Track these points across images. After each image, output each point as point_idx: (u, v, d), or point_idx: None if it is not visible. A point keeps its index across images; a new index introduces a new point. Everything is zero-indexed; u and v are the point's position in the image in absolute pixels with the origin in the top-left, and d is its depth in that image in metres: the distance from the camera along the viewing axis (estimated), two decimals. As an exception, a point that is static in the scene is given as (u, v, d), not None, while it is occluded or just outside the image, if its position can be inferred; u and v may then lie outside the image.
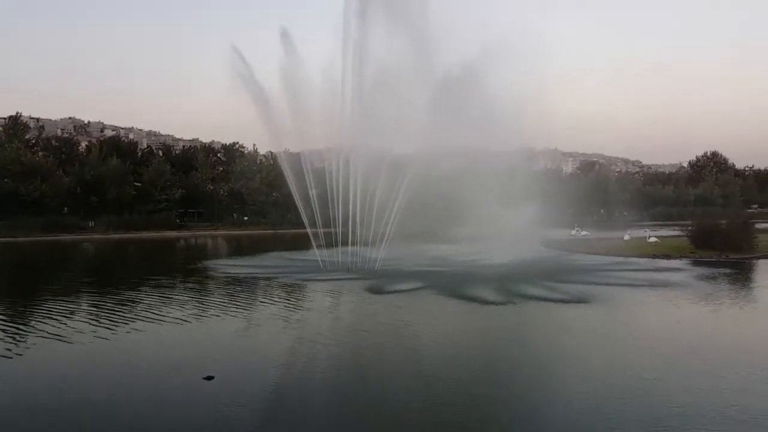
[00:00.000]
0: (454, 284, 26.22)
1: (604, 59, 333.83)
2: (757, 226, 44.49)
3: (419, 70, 33.44)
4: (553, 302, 21.75)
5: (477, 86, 33.85)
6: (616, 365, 13.34)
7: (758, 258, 37.63)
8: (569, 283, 26.32)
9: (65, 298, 24.41)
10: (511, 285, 25.30)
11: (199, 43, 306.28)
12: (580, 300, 21.74)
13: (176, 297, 24.43)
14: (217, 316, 19.85)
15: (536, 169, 50.80)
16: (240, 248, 59.26)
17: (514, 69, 33.99)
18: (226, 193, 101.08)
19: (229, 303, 22.59)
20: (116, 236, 77.18)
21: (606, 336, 16.81)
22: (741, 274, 31.45)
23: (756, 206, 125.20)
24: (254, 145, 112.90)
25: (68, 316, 20.00)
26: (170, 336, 17.03)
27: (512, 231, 37.65)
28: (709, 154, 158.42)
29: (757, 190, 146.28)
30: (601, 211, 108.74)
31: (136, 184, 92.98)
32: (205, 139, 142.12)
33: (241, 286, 27.65)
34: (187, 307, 21.68)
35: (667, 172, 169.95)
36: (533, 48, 34.18)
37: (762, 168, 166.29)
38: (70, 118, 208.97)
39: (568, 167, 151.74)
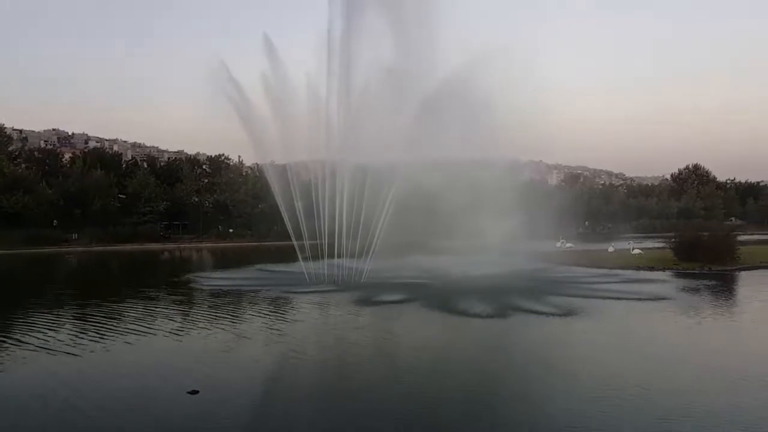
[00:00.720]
0: (440, 297, 26.23)
1: (587, 73, 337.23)
2: (738, 238, 45.13)
3: (407, 78, 33.49)
4: (540, 315, 21.75)
5: (465, 97, 34.04)
6: (602, 379, 13.39)
7: (740, 270, 38.10)
8: (555, 295, 26.39)
9: (50, 311, 24.18)
10: (498, 297, 25.35)
11: (184, 54, 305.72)
12: (566, 313, 21.79)
13: (161, 310, 24.21)
14: (202, 329, 19.70)
15: (522, 180, 51.07)
16: (225, 260, 58.92)
17: (503, 80, 34.27)
18: (211, 205, 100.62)
19: (213, 316, 22.46)
20: (100, 249, 76.49)
21: (593, 349, 16.86)
22: (724, 286, 31.76)
23: (733, 218, 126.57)
24: (239, 156, 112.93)
25: (54, 328, 19.86)
26: (156, 349, 16.87)
27: (498, 243, 37.80)
28: (691, 166, 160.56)
29: (738, 203, 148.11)
30: (586, 223, 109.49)
31: (120, 196, 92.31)
32: (191, 150, 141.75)
33: (226, 299, 27.47)
34: (172, 320, 21.52)
35: (650, 184, 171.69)
36: (523, 59, 34.40)
37: (743, 180, 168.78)
38: (53, 129, 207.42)
39: (553, 179, 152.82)
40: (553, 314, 21.68)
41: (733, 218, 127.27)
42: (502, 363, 15.34)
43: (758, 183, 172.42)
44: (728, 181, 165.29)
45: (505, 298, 25.28)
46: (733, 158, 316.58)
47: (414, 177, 34.02)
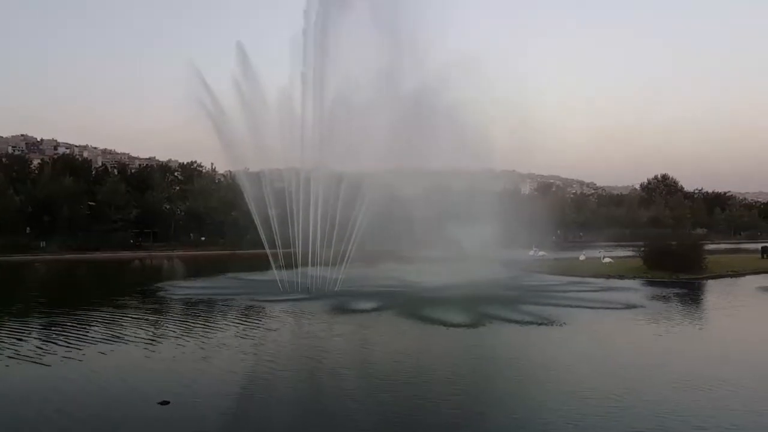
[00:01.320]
0: (415, 305, 26.23)
1: (558, 83, 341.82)
2: (706, 247, 46.07)
3: (383, 87, 33.46)
4: (514, 323, 21.88)
5: (440, 106, 34.16)
6: (576, 388, 13.46)
7: (707, 278, 38.83)
8: (529, 303, 26.60)
9: (22, 320, 23.78)
10: (472, 306, 25.43)
11: (156, 60, 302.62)
12: (540, 322, 21.92)
13: (132, 319, 23.77)
14: (174, 338, 19.37)
15: (495, 190, 51.42)
16: (197, 269, 58.16)
17: (478, 90, 34.51)
18: (183, 213, 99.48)
19: (185, 325, 22.12)
20: (69, 257, 75.00)
21: (566, 358, 16.93)
22: (692, 294, 32.32)
23: (699, 228, 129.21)
24: (212, 164, 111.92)
25: (28, 337, 19.60)
26: (125, 359, 16.51)
27: (473, 251, 37.97)
28: (659, 176, 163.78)
29: (705, 213, 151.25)
30: (558, 231, 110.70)
31: (90, 203, 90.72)
32: (162, 157, 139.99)
33: (198, 309, 27.08)
34: (143, 329, 21.15)
35: (620, 194, 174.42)
36: (497, 69, 34.73)
37: (710, 191, 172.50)
38: (22, 135, 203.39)
39: (526, 188, 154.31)
40: (527, 323, 21.80)
41: (699, 228, 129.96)
42: (477, 372, 15.34)
43: (725, 193, 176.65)
44: (696, 191, 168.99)
45: (478, 306, 25.37)
46: (702, 168, 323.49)
47: (389, 185, 34.04)
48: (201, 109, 33.31)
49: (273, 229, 33.59)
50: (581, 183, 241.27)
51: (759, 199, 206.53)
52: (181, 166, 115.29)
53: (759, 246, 61.51)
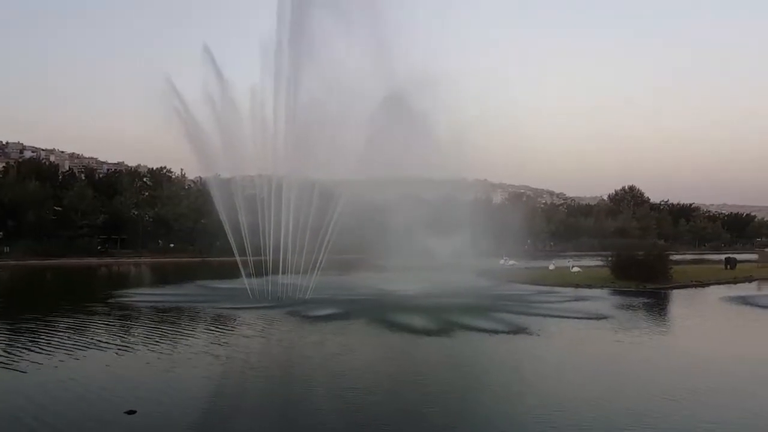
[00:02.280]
0: (385, 313, 26.20)
1: (529, 97, 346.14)
2: (671, 257, 46.93)
3: (357, 95, 33.33)
4: (484, 332, 21.95)
5: (415, 114, 34.22)
6: (546, 398, 13.54)
7: (673, 288, 39.55)
8: (500, 312, 26.73)
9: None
10: (444, 314, 25.49)
11: (125, 62, 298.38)
12: (512, 331, 22.05)
13: (98, 328, 23.29)
14: (140, 347, 18.99)
15: (467, 199, 51.78)
16: (165, 276, 57.37)
17: (451, 100, 34.71)
18: (151, 219, 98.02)
19: (152, 334, 21.70)
20: (34, 263, 73.26)
21: (537, 368, 17.06)
22: (658, 304, 32.85)
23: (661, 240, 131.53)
24: (182, 169, 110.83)
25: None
26: (91, 368, 16.16)
27: (444, 260, 38.10)
28: (626, 188, 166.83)
29: (671, 224, 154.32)
30: (528, 241, 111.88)
31: (56, 208, 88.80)
32: (131, 162, 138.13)
33: (166, 317, 26.59)
34: (109, 338, 20.71)
35: (588, 204, 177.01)
36: (470, 80, 34.96)
37: (676, 202, 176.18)
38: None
39: (497, 198, 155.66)
40: (498, 332, 21.89)
41: (662, 240, 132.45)
42: (447, 382, 15.35)
43: (690, 205, 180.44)
44: (662, 203, 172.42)
45: (450, 315, 25.42)
46: (667, 181, 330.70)
47: (361, 194, 33.97)
48: (173, 114, 32.93)
49: (243, 237, 33.21)
50: (551, 193, 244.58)
51: (723, 211, 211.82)
52: (150, 171, 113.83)
53: (722, 257, 62.89)
